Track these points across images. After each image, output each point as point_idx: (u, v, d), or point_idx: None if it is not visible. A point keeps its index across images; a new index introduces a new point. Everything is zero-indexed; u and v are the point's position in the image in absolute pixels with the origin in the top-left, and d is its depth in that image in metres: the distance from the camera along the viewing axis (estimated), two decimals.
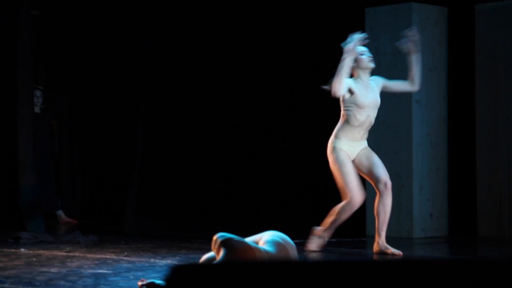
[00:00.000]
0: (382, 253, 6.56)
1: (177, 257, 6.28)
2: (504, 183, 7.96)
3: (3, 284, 4.81)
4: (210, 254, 4.84)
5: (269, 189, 9.77)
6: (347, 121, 6.58)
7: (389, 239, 6.73)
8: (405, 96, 7.92)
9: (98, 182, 10.45)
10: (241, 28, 9.91)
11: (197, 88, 10.31)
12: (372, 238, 6.89)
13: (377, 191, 6.59)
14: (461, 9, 8.43)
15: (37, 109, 9.56)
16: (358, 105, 6.53)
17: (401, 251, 6.58)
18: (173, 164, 10.45)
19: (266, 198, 9.76)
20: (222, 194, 10.11)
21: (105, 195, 10.35)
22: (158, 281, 4.54)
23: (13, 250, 6.82)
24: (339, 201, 9.38)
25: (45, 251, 6.67)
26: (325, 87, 6.61)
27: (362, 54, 6.62)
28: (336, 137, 6.61)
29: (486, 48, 8.08)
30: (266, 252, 4.67)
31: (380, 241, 6.57)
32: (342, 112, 6.63)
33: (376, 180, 6.56)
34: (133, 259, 6.11)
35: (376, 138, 7.95)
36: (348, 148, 6.58)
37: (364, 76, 6.62)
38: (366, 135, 6.67)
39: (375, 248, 6.61)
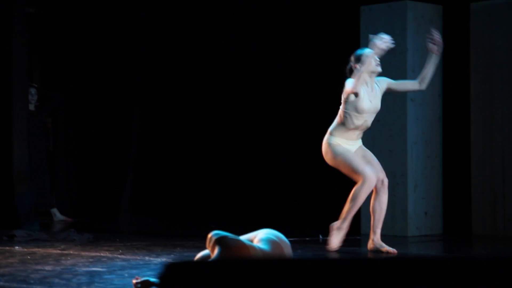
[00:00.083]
0: (377, 251, 6.56)
1: (172, 255, 6.28)
2: (498, 181, 7.97)
3: None
4: (205, 252, 4.84)
5: (265, 187, 9.77)
6: (343, 123, 6.55)
7: (383, 237, 6.73)
8: (400, 95, 7.92)
9: (93, 180, 10.44)
10: (237, 25, 9.91)
11: (193, 85, 10.30)
12: (367, 237, 6.89)
13: (374, 189, 6.57)
14: (456, 8, 8.44)
15: (31, 107, 9.55)
16: (357, 110, 6.50)
17: (396, 249, 6.59)
18: (168, 162, 10.44)
19: (261, 196, 9.76)
20: (217, 192, 10.11)
21: (100, 193, 10.34)
22: (152, 279, 4.53)
23: (7, 248, 6.81)
24: (337, 199, 9.38)
25: (39, 249, 6.66)
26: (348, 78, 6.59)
27: (370, 57, 6.56)
28: (331, 134, 6.60)
29: (481, 46, 8.09)
30: (261, 250, 4.67)
31: (375, 239, 6.58)
32: (340, 112, 6.59)
33: (375, 174, 6.54)
34: (128, 257, 6.10)
35: (371, 136, 7.95)
36: (343, 146, 6.58)
37: (370, 79, 6.56)
38: (361, 135, 6.67)
39: (370, 245, 6.61)
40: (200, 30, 10.16)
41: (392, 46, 6.43)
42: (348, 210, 6.53)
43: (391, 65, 8.07)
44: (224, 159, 10.10)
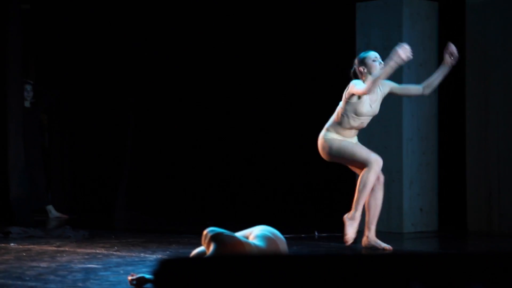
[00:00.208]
0: (371, 247, 6.55)
1: (167, 252, 6.28)
2: (493, 177, 7.97)
3: None
4: (201, 248, 4.83)
5: (260, 184, 9.77)
6: (339, 122, 6.53)
7: (379, 234, 6.73)
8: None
9: (88, 177, 10.43)
10: (233, 22, 9.90)
11: (188, 82, 10.29)
12: (362, 233, 6.88)
13: None
14: (452, 4, 8.43)
15: (27, 104, 9.53)
16: (356, 113, 6.47)
17: (391, 245, 6.59)
18: (164, 159, 10.44)
19: (257, 193, 9.76)
20: (212, 188, 10.11)
21: (95, 190, 10.33)
22: (148, 276, 4.53)
23: (2, 244, 6.81)
24: (333, 196, 9.38)
25: (35, 246, 6.65)
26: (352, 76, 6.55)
27: (374, 61, 6.51)
28: (327, 130, 6.59)
29: (476, 43, 8.09)
30: (256, 246, 4.67)
31: (370, 235, 6.57)
32: (338, 110, 6.54)
33: (376, 161, 6.52)
34: (123, 253, 6.10)
35: (366, 133, 7.94)
36: (340, 139, 6.57)
37: None
38: (356, 133, 6.67)
39: (364, 242, 6.60)
40: (196, 25, 10.15)
41: (411, 57, 6.35)
42: (358, 199, 6.45)
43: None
44: (220, 155, 10.09)
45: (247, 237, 4.81)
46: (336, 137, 6.56)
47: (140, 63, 10.23)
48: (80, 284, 4.64)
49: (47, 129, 10.64)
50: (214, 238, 4.58)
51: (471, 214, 8.09)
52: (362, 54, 6.61)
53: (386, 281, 2.23)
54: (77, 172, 10.48)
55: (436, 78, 6.62)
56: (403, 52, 6.24)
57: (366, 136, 7.88)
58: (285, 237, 4.98)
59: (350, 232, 6.46)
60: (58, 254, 6.06)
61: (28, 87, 9.60)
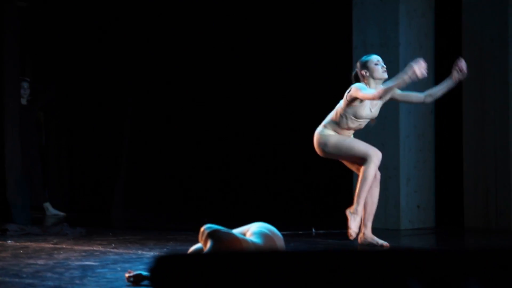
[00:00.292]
0: (368, 244, 6.55)
1: (165, 249, 6.28)
2: (490, 174, 7.98)
3: None
4: (198, 245, 4.84)
5: (258, 181, 9.77)
6: (337, 122, 6.50)
7: (376, 231, 6.73)
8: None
9: (85, 174, 10.43)
10: (229, 20, 9.89)
11: (185, 80, 10.29)
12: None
13: None
14: (449, 1, 8.43)
15: (24, 101, 9.52)
16: (356, 115, 6.46)
17: (388, 242, 6.59)
18: (161, 156, 10.43)
19: (254, 190, 9.76)
20: (209, 186, 10.11)
21: (92, 187, 10.32)
22: (145, 273, 4.53)
23: None
24: (330, 193, 9.38)
25: (32, 243, 6.65)
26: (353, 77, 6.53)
27: (376, 64, 6.48)
28: (324, 127, 6.57)
29: (473, 39, 8.10)
30: (253, 243, 4.68)
31: (366, 232, 6.56)
32: (338, 110, 6.50)
33: (375, 154, 6.51)
34: (121, 251, 6.10)
35: (363, 130, 7.94)
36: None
37: (376, 86, 6.46)
38: (353, 132, 6.65)
39: (361, 239, 6.58)
40: (193, 21, 10.14)
41: (425, 75, 6.30)
42: (360, 192, 6.43)
43: (383, 59, 8.06)
44: (217, 153, 10.09)
45: (244, 234, 4.82)
46: (332, 134, 6.55)
47: (138, 61, 10.22)
48: (77, 281, 4.65)
49: (44, 127, 10.62)
50: (211, 235, 4.58)
51: (468, 211, 8.09)
52: (364, 58, 6.57)
53: (383, 277, 2.23)
54: (74, 169, 10.48)
55: (439, 90, 6.58)
56: (418, 68, 6.16)
57: (363, 133, 7.87)
58: (282, 234, 4.98)
59: (354, 226, 6.43)
60: (55, 252, 6.06)
61: (25, 85, 9.59)
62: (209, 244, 4.56)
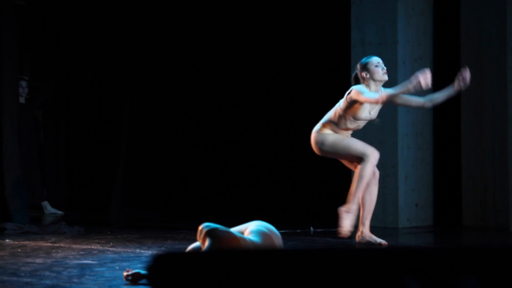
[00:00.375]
0: (366, 242, 6.55)
1: (163, 248, 6.28)
2: (489, 172, 7.99)
3: None
4: (196, 244, 4.84)
5: (256, 179, 9.77)
6: (336, 122, 6.48)
7: (374, 229, 6.73)
8: (389, 86, 7.92)
9: (83, 173, 10.43)
10: (227, 17, 9.90)
11: (183, 78, 10.29)
12: (356, 228, 6.88)
13: None
14: (447, 0, 8.44)
15: (22, 100, 9.52)
16: (355, 117, 6.43)
17: (387, 240, 6.59)
18: (159, 155, 10.43)
19: (252, 188, 9.76)
20: (208, 184, 10.11)
21: (90, 186, 10.33)
22: (143, 272, 4.53)
23: None
24: (328, 192, 9.38)
25: (30, 242, 6.65)
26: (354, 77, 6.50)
27: (377, 66, 6.44)
28: (322, 126, 6.55)
29: (471, 38, 8.10)
30: (252, 242, 4.68)
31: (364, 231, 6.55)
32: (337, 110, 6.46)
33: (373, 154, 6.49)
34: (119, 249, 6.10)
35: (361, 128, 7.95)
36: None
37: (376, 88, 6.44)
38: (351, 133, 6.64)
39: (359, 237, 6.58)
40: (192, 19, 10.14)
41: (430, 86, 6.27)
42: (355, 192, 6.41)
43: (381, 57, 8.06)
44: (216, 152, 10.09)
45: (242, 233, 4.82)
46: (330, 133, 6.54)
47: (136, 59, 10.22)
48: (75, 280, 4.64)
49: (42, 125, 10.62)
50: (209, 233, 4.58)
51: (466, 209, 8.10)
52: (365, 59, 6.52)
53: (381, 275, 2.23)
54: (73, 168, 10.48)
55: (440, 97, 6.53)
56: (424, 79, 6.11)
57: (361, 131, 7.87)
58: (280, 233, 4.98)
59: (347, 225, 6.43)
60: (54, 250, 6.06)
61: (23, 83, 9.59)
62: (207, 243, 4.56)
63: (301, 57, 9.39)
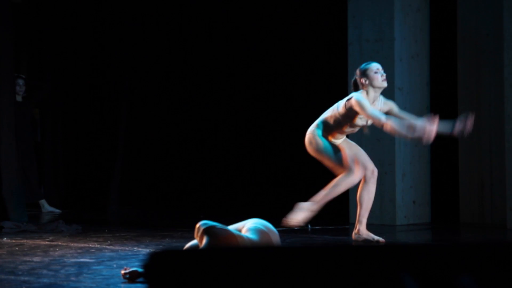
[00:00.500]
0: (364, 240, 6.53)
1: (161, 246, 6.28)
2: (486, 169, 7.99)
3: None
4: (193, 242, 4.84)
5: (253, 177, 9.77)
6: (332, 125, 6.43)
7: (372, 226, 6.74)
8: (387, 84, 7.92)
9: (81, 171, 10.42)
10: (223, 15, 9.89)
11: (179, 76, 10.28)
12: (353, 226, 6.88)
13: (363, 178, 6.51)
14: None
15: (19, 98, 9.51)
16: (351, 123, 6.41)
17: (384, 238, 6.59)
18: (156, 153, 10.43)
19: (250, 186, 9.76)
20: (205, 182, 10.11)
21: (88, 184, 10.32)
22: (141, 270, 4.53)
23: None
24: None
25: (28, 240, 6.65)
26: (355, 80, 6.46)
27: (376, 72, 6.38)
28: (317, 127, 6.50)
29: (468, 34, 8.10)
30: (249, 239, 4.68)
31: (361, 229, 6.54)
32: (334, 112, 6.41)
33: (363, 167, 6.48)
34: (116, 247, 6.10)
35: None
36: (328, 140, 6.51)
37: (375, 94, 6.40)
38: (346, 135, 6.60)
39: (355, 235, 6.56)
40: (188, 18, 10.13)
41: (429, 143, 6.16)
42: (324, 196, 6.41)
43: (378, 55, 8.08)
44: (213, 150, 10.09)
45: (239, 230, 4.82)
46: (324, 135, 6.47)
47: (133, 58, 10.21)
48: (73, 279, 4.65)
49: (39, 124, 10.61)
50: (207, 231, 4.59)
51: (464, 206, 8.10)
52: (364, 65, 6.45)
53: (377, 272, 2.23)
54: (70, 166, 10.47)
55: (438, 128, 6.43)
56: (428, 134, 6.05)
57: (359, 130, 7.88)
58: (278, 230, 4.99)
59: (296, 219, 6.40)
60: (51, 249, 6.06)
61: (21, 82, 9.58)
62: (204, 241, 4.57)
63: (298, 55, 9.38)
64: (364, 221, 6.53)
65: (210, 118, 10.07)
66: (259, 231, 4.77)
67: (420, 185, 8.29)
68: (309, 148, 6.55)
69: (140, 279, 4.50)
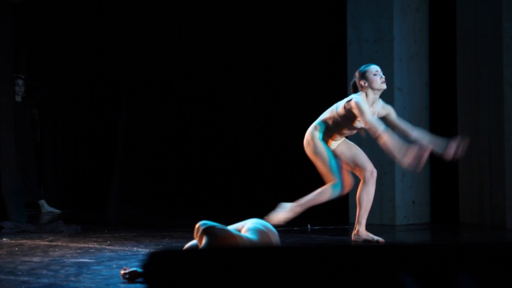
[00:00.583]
0: (363, 241, 6.53)
1: (160, 246, 6.28)
2: (485, 169, 8.00)
3: None
4: (193, 242, 4.84)
5: (253, 177, 9.77)
6: (331, 126, 6.42)
7: (371, 226, 6.74)
8: (387, 84, 7.92)
9: (80, 171, 10.42)
10: (222, 15, 9.89)
11: (179, 76, 10.28)
12: (353, 226, 6.89)
13: (362, 179, 6.50)
14: None
15: (18, 98, 9.51)
16: (349, 126, 6.40)
17: (384, 238, 6.59)
18: (156, 153, 10.43)
19: (249, 186, 9.76)
20: (205, 182, 10.11)
21: (87, 184, 10.32)
22: (140, 270, 4.53)
23: None
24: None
25: (27, 241, 6.65)
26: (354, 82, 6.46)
27: (375, 75, 6.36)
28: (315, 129, 6.49)
29: (467, 34, 8.11)
30: (249, 239, 4.68)
31: (361, 229, 6.53)
32: (333, 115, 6.39)
33: (362, 168, 6.47)
34: (116, 248, 6.10)
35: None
36: (326, 143, 6.50)
37: (374, 97, 6.38)
38: (344, 136, 6.59)
39: (355, 236, 6.55)
40: (187, 17, 10.14)
41: (414, 170, 6.14)
42: (308, 201, 6.45)
43: (377, 54, 8.09)
44: (213, 150, 10.09)
45: (239, 230, 4.82)
46: (324, 137, 6.46)
47: (133, 58, 10.21)
48: (72, 279, 4.65)
49: (38, 124, 10.61)
50: (206, 231, 4.59)
51: (463, 206, 8.11)
52: (363, 68, 6.42)
53: (377, 272, 2.24)
54: (70, 166, 10.47)
55: (429, 140, 6.37)
56: (416, 160, 6.02)
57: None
58: (277, 230, 4.99)
59: (278, 217, 6.41)
60: (51, 249, 6.06)
61: (20, 82, 9.58)
62: (204, 241, 4.57)
63: (298, 55, 9.39)
64: (363, 222, 6.53)
65: (210, 118, 10.07)
66: (258, 231, 4.77)
67: (419, 185, 8.29)
68: (307, 149, 6.56)
69: (140, 279, 4.50)
